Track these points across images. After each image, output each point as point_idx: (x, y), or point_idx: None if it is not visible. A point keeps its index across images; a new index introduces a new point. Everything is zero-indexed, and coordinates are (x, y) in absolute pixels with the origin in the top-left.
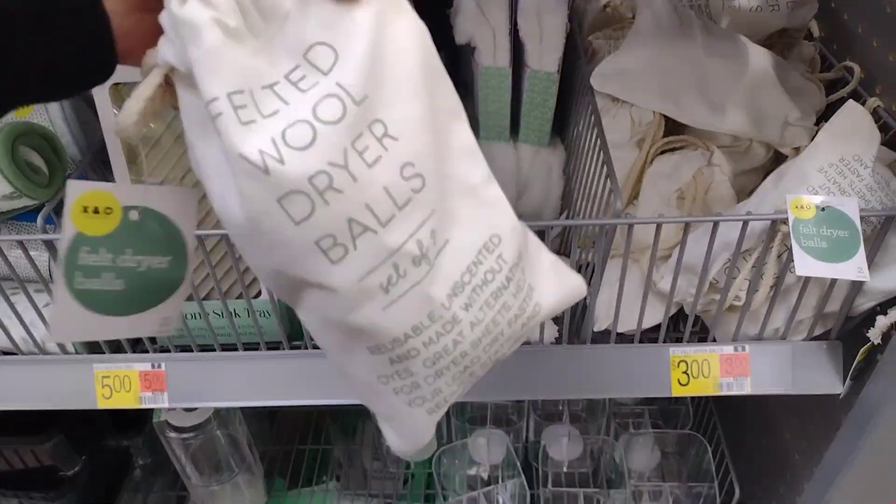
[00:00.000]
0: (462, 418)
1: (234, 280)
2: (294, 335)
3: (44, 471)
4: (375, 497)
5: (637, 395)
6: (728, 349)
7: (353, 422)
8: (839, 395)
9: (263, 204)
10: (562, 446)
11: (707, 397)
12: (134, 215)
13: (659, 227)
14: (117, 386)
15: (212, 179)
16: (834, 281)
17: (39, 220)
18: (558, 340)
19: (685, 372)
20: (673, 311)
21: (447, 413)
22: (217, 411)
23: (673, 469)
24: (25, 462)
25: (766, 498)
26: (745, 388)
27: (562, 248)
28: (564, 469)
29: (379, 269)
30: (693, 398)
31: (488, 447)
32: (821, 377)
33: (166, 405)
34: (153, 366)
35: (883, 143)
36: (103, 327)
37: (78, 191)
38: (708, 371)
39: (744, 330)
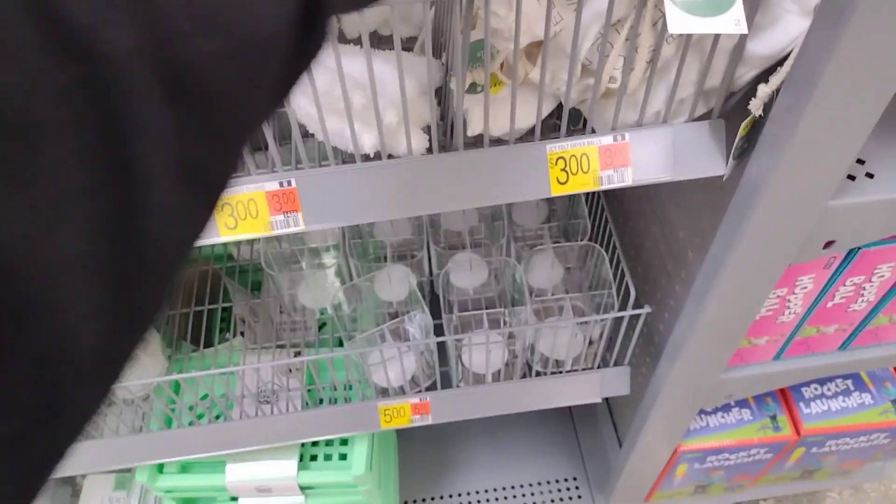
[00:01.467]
0: (364, 259)
1: None
2: None
3: None
4: (282, 347)
5: (517, 199)
6: (607, 139)
7: (254, 276)
8: (722, 176)
9: None
10: (465, 273)
11: (603, 207)
12: None
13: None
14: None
15: None
16: (713, 48)
17: None
18: (429, 151)
19: (564, 169)
20: (550, 107)
21: (346, 256)
22: None
23: (575, 283)
24: None
25: (664, 298)
26: (627, 178)
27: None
28: (471, 295)
29: None
30: (591, 210)
31: (390, 283)
32: (704, 159)
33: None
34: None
35: None
36: None
37: None
38: (587, 165)
39: (622, 118)
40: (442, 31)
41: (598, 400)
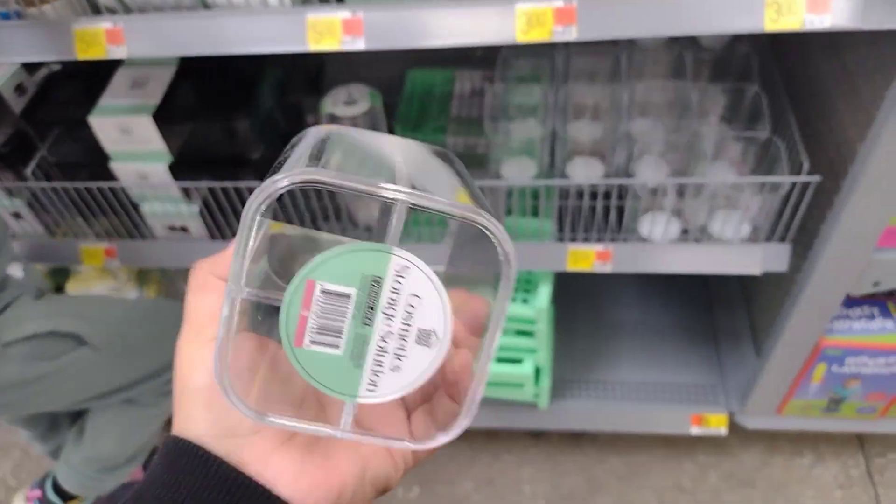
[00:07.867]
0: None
1: None
2: None
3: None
4: None
5: (736, 31)
6: None
7: None
8: None
9: None
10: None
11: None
12: None
13: None
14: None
15: None
16: None
17: None
18: None
19: (776, 11)
20: None
21: (550, 145)
22: (372, 110)
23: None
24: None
25: (827, 178)
26: (826, 23)
27: None
28: None
29: None
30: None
31: (586, 167)
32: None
33: None
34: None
35: None
36: None
37: None
38: (796, 9)
39: None
40: None
41: (758, 273)
